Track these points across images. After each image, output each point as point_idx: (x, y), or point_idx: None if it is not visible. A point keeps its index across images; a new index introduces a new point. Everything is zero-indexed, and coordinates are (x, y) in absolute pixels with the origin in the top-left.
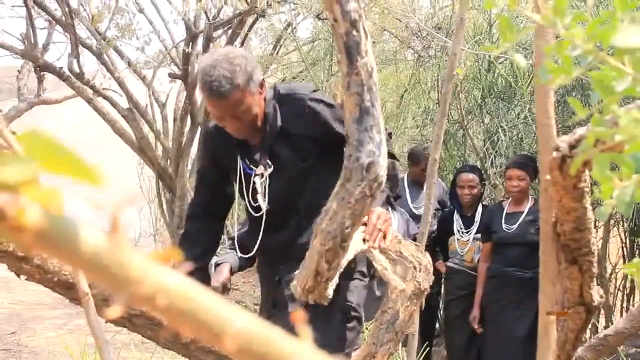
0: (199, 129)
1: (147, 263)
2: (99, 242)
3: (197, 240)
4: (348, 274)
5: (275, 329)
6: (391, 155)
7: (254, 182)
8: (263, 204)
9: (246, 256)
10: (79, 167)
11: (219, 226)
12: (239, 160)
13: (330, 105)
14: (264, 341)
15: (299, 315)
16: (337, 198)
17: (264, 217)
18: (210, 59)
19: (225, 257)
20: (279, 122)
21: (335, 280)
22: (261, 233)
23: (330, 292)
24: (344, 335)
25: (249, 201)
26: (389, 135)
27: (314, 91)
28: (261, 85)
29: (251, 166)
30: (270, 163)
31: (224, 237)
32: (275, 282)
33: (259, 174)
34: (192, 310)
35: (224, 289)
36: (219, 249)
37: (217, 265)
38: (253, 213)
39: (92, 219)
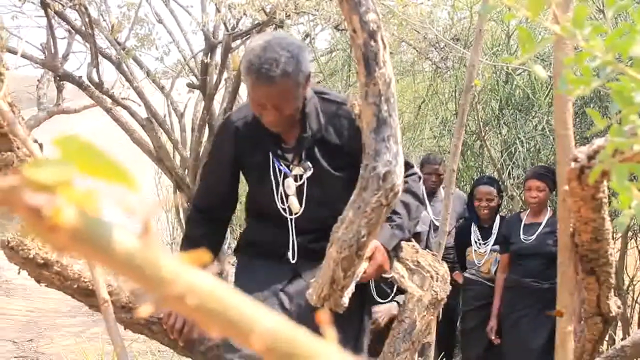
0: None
1: (178, 264)
2: (132, 244)
3: (198, 246)
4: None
5: (302, 330)
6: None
7: (284, 184)
8: (295, 206)
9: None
10: (114, 171)
11: (222, 231)
12: (271, 157)
13: None
14: (291, 341)
15: (323, 316)
16: (353, 207)
17: (293, 220)
18: (262, 40)
19: None
20: (322, 124)
21: (352, 288)
22: (293, 236)
23: (345, 300)
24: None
25: (280, 200)
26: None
27: None
28: (307, 78)
29: (284, 164)
30: (310, 165)
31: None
32: (289, 276)
33: (296, 175)
34: (222, 309)
35: None
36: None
37: None
38: (284, 213)
39: (123, 221)
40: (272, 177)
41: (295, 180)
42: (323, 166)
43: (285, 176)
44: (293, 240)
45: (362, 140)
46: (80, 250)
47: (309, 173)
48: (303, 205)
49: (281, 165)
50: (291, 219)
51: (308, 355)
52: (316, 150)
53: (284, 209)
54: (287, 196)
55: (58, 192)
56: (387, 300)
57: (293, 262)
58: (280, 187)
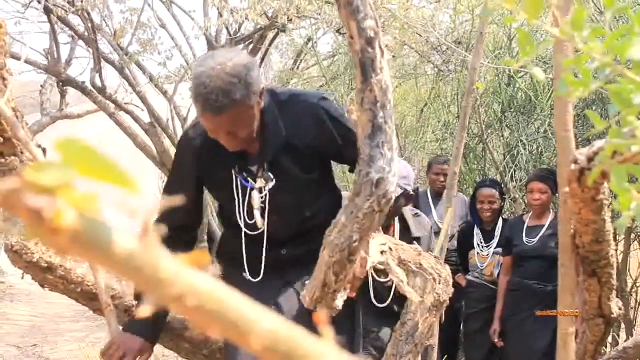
0: None
1: (178, 265)
2: (132, 245)
3: None
4: None
5: (301, 330)
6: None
7: (250, 197)
8: (260, 221)
9: (255, 280)
10: (115, 174)
11: (190, 250)
12: (233, 173)
13: (334, 118)
14: (289, 341)
15: (321, 317)
16: (346, 212)
17: (265, 234)
18: (207, 66)
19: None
20: (283, 133)
21: (346, 291)
22: (264, 251)
23: (339, 303)
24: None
25: (243, 218)
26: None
27: (323, 99)
28: (260, 94)
29: (249, 179)
30: (272, 176)
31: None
32: (279, 287)
33: (259, 187)
34: (221, 310)
35: None
36: None
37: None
38: (247, 230)
39: (123, 223)
40: (236, 194)
41: (260, 193)
42: (292, 172)
43: (252, 190)
44: (269, 254)
45: (331, 132)
46: (81, 252)
47: (271, 184)
48: (267, 217)
49: (245, 180)
50: (261, 233)
51: (307, 355)
52: (282, 157)
53: (251, 225)
54: (253, 210)
55: (59, 195)
56: (385, 305)
57: (280, 272)
58: (246, 202)
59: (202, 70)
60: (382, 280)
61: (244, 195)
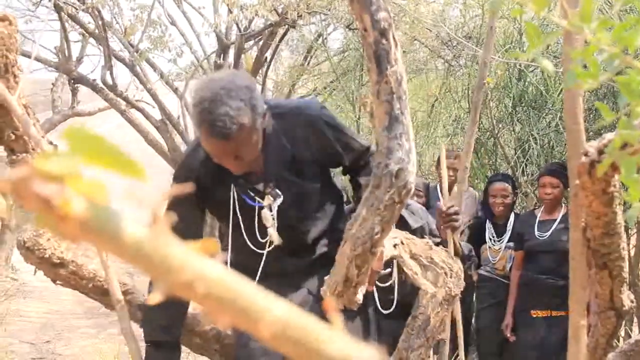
0: None
1: (187, 253)
2: (141, 232)
3: (164, 311)
4: None
5: (311, 317)
6: None
7: (259, 216)
8: (275, 237)
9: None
10: (122, 162)
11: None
12: (234, 193)
13: (334, 127)
14: (299, 328)
15: (330, 304)
16: (366, 204)
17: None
18: (209, 91)
19: None
20: (288, 147)
21: (365, 285)
22: (273, 262)
23: (360, 297)
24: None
25: (252, 236)
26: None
27: (322, 108)
28: (264, 116)
29: (256, 198)
30: (279, 193)
31: None
32: (292, 288)
33: (267, 205)
34: (230, 297)
35: None
36: None
37: None
38: (256, 249)
39: (133, 212)
40: (240, 214)
41: (270, 210)
42: (296, 185)
43: (261, 208)
44: (278, 265)
45: (332, 143)
46: (90, 240)
47: (279, 201)
48: (278, 233)
49: (251, 199)
50: (269, 251)
51: (316, 342)
52: (286, 171)
53: (260, 243)
54: (265, 228)
55: (67, 183)
56: (390, 311)
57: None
58: (256, 220)
59: (204, 95)
60: (381, 284)
61: (251, 216)
